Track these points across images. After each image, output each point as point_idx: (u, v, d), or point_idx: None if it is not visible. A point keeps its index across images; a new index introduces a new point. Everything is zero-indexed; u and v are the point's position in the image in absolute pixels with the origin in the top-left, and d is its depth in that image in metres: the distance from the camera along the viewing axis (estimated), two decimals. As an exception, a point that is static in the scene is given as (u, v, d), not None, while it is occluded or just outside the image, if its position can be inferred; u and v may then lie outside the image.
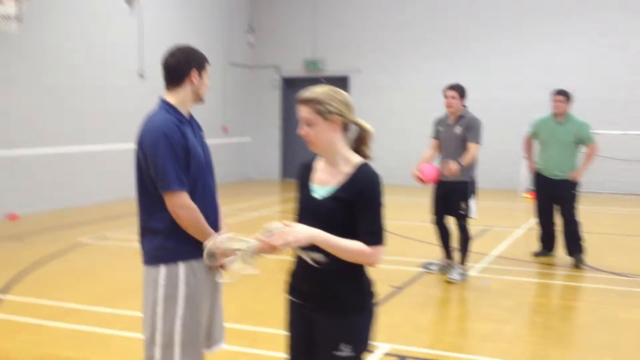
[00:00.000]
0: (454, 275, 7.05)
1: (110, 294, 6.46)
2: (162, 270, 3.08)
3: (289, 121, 17.22)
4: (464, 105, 7.10)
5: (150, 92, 13.52)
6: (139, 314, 5.58)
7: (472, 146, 6.93)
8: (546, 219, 8.09)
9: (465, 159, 6.88)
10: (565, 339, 5.53)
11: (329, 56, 16.80)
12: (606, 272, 7.56)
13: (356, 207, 2.61)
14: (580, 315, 6.13)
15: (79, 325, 5.48)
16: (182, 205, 3.03)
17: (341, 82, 16.73)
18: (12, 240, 9.11)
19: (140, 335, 5.05)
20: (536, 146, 8.23)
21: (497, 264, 7.97)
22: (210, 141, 3.45)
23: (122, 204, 12.28)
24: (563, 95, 7.81)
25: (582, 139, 7.79)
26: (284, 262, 8.16)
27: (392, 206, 12.47)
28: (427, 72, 15.73)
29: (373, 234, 2.61)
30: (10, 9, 9.94)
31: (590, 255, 8.00)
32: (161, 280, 3.08)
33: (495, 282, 7.11)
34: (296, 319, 2.81)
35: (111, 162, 12.97)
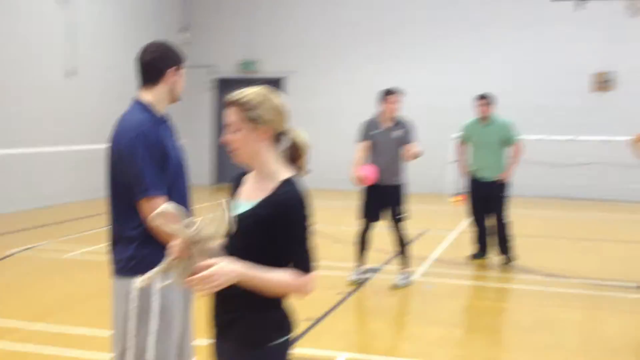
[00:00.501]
0: (400, 280, 7.15)
1: (48, 309, 6.18)
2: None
3: (220, 123, 17.01)
4: None
5: (80, 92, 13.16)
6: (81, 330, 5.43)
7: (414, 145, 7.07)
8: (480, 221, 8.30)
9: (415, 152, 6.99)
10: (512, 341, 5.70)
11: (265, 57, 16.72)
12: (539, 274, 7.83)
13: (279, 230, 2.33)
14: (522, 317, 6.30)
15: (18, 344, 5.22)
16: None
17: (276, 83, 16.70)
18: None
19: (83, 354, 4.90)
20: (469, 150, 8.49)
21: (436, 267, 8.13)
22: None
23: (49, 212, 11.83)
24: (485, 99, 8.17)
25: (507, 139, 8.12)
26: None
27: (327, 210, 12.61)
28: (360, 75, 15.90)
29: (302, 262, 2.35)
30: None
31: (521, 257, 8.24)
32: (134, 293, 2.92)
33: (438, 286, 7.25)
34: (213, 351, 2.54)
35: (37, 166, 12.47)
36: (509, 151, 8.20)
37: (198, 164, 17.50)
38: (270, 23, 16.61)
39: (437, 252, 8.93)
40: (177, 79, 3.09)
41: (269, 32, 16.61)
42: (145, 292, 2.92)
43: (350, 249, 8.89)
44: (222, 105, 17.43)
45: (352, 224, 10.88)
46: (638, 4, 9.61)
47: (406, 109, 14.19)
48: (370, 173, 6.94)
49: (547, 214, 12.39)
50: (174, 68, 3.06)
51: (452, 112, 14.95)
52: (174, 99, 3.13)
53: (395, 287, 7.08)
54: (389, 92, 7.15)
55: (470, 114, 14.55)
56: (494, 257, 8.37)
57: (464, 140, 8.45)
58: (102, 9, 14.21)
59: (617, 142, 13.81)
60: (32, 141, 12.32)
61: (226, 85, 16.99)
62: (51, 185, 12.71)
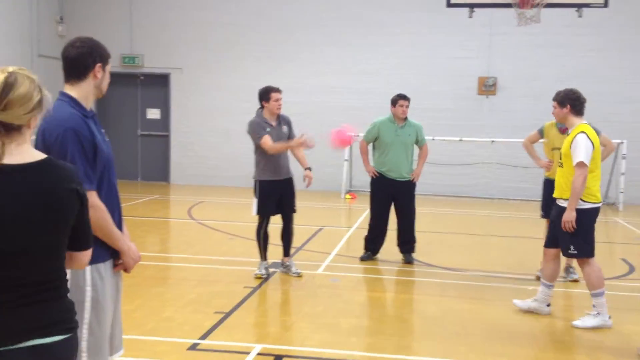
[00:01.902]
0: (297, 269, 7.30)
1: None
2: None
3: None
4: None
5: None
6: None
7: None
8: (382, 220, 8.24)
9: (305, 140, 7.06)
10: (420, 330, 5.81)
11: (148, 52, 16.19)
12: (438, 267, 8.06)
13: None
14: (427, 308, 6.43)
15: None
16: (91, 204, 2.77)
17: (162, 79, 16.24)
18: None
19: None
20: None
21: (339, 262, 8.18)
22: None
23: None
24: (408, 100, 8.11)
25: (420, 140, 8.24)
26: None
27: (224, 207, 12.41)
28: (251, 72, 15.74)
29: None
30: None
31: (419, 252, 8.41)
32: None
33: (343, 279, 7.30)
34: None
35: None
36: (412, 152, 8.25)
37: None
38: (153, 18, 16.08)
39: (337, 248, 8.98)
40: (104, 75, 3.11)
41: (152, 27, 16.09)
42: (78, 284, 2.89)
43: (248, 244, 8.81)
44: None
45: (247, 219, 10.81)
46: (527, 13, 10.09)
47: (301, 108, 14.42)
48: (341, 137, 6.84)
49: (437, 211, 12.79)
50: (100, 64, 3.07)
51: (345, 111, 15.17)
52: (100, 94, 3.15)
53: (299, 275, 7.20)
54: (274, 90, 7.13)
55: (361, 113, 14.74)
56: (390, 252, 8.46)
57: (369, 140, 8.31)
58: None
59: (500, 144, 14.52)
60: None
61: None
62: None
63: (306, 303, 6.43)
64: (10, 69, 2.23)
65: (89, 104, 3.07)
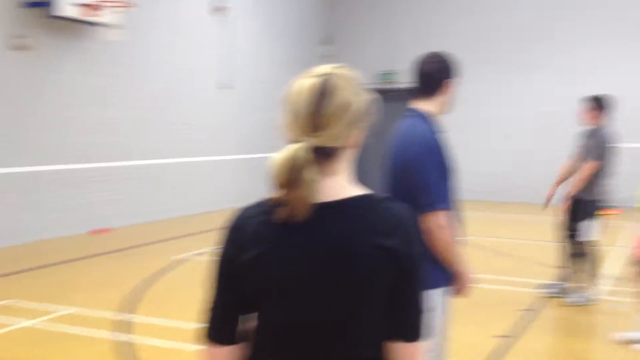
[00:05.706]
0: (572, 297, 6.62)
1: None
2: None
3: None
4: (601, 119, 6.51)
5: (233, 103, 13.50)
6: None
7: (588, 164, 6.38)
8: None
9: (578, 178, 6.43)
10: None
11: (406, 68, 16.46)
12: None
13: None
14: None
15: (177, 343, 5.31)
16: (441, 225, 2.79)
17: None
18: (110, 255, 8.98)
19: None
20: None
21: (622, 285, 7.46)
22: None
23: (200, 219, 12.05)
24: None
25: None
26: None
27: (510, 224, 12.00)
28: (507, 84, 15.36)
29: None
30: (114, 18, 10.12)
31: None
32: None
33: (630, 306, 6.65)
34: None
35: (199, 175, 12.88)
36: None
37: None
38: (411, 35, 16.36)
39: (610, 270, 8.19)
40: (453, 90, 3.05)
41: (409, 44, 16.35)
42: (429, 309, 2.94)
43: (509, 261, 8.51)
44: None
45: (507, 235, 10.45)
46: None
47: (551, 119, 13.44)
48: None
49: None
50: (450, 79, 3.03)
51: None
52: (448, 109, 3.07)
53: (566, 305, 6.57)
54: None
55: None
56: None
57: None
58: (256, 24, 14.56)
59: None
60: (196, 151, 12.71)
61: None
62: (204, 193, 13.02)
63: (594, 330, 5.98)
64: (324, 69, 1.56)
65: (438, 119, 3.03)
